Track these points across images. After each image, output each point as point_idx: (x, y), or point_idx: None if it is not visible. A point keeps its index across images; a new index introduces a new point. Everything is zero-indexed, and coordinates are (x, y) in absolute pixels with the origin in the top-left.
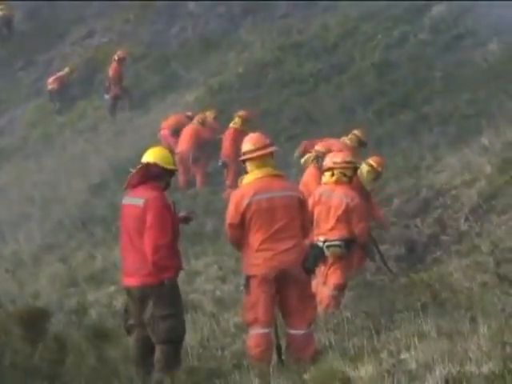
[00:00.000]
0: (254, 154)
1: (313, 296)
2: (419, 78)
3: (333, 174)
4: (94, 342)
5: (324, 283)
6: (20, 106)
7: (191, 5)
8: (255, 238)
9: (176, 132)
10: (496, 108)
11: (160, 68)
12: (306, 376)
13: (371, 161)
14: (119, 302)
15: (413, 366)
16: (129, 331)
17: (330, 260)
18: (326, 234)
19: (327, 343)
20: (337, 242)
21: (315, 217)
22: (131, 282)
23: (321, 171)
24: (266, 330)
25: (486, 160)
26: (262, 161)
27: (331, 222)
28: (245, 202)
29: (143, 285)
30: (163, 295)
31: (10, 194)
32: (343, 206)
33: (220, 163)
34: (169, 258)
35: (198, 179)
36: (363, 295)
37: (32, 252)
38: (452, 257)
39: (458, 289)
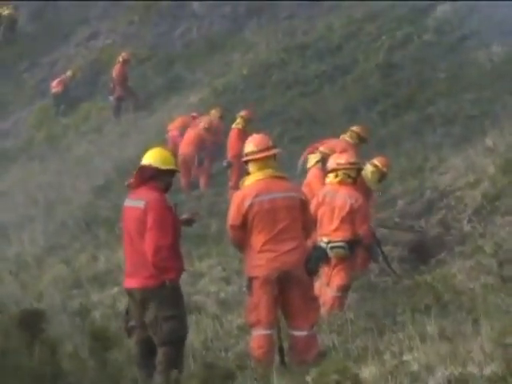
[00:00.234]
0: (257, 156)
1: (315, 297)
2: (423, 78)
3: (337, 175)
4: (97, 344)
5: (328, 284)
6: (24, 107)
7: (195, 6)
8: (257, 240)
9: (183, 133)
10: (500, 109)
11: (164, 69)
12: (308, 378)
13: (376, 161)
14: (123, 303)
15: (415, 367)
16: (130, 333)
17: (334, 261)
18: (329, 234)
19: (331, 344)
20: (340, 243)
21: (319, 218)
22: (132, 283)
23: (324, 172)
24: (269, 332)
25: (490, 161)
26: (264, 162)
27: (335, 223)
28: (247, 204)
29: (144, 287)
30: (165, 297)
31: (14, 195)
32: (347, 207)
33: (225, 163)
34: (170, 260)
35: (202, 181)
36: (367, 297)
37: (35, 254)
38: (455, 258)
39: (462, 290)
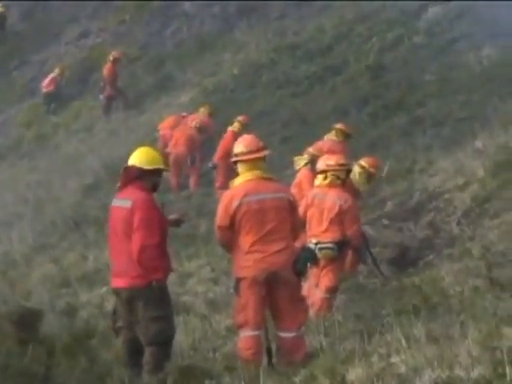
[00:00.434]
0: (246, 157)
1: (303, 298)
2: (413, 80)
3: (326, 177)
4: (85, 343)
5: (316, 285)
6: (14, 106)
7: (186, 5)
8: (245, 240)
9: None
10: (490, 111)
11: (155, 69)
12: (296, 379)
13: (363, 162)
14: (111, 303)
15: (402, 369)
16: (117, 333)
17: (323, 262)
18: (318, 236)
19: (318, 346)
20: (329, 245)
21: (308, 219)
22: (119, 283)
23: (314, 173)
24: (257, 333)
25: (479, 163)
26: (253, 164)
27: (324, 225)
28: (235, 204)
29: (131, 286)
30: (152, 297)
31: (3, 194)
32: (336, 209)
33: (210, 165)
34: (157, 259)
35: (192, 181)
36: (355, 298)
37: (24, 252)
38: (444, 261)
39: (450, 293)
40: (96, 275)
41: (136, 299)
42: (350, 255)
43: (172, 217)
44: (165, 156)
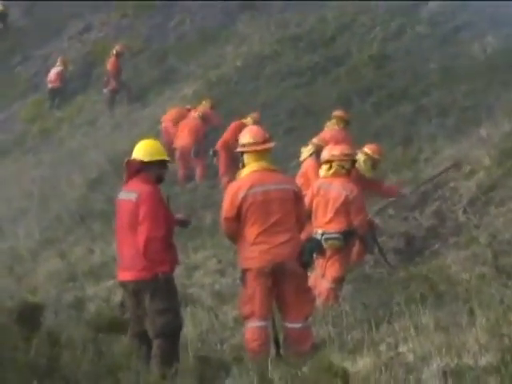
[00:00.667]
0: (252, 148)
1: (310, 289)
2: (417, 70)
3: (330, 167)
4: (93, 336)
5: (323, 276)
6: (18, 101)
7: None
8: (251, 232)
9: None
10: (494, 100)
11: (158, 62)
12: (303, 369)
13: (366, 149)
14: (118, 296)
15: (410, 358)
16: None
17: (329, 253)
18: (324, 226)
19: (326, 336)
20: (335, 235)
21: (313, 210)
22: (126, 276)
23: (319, 163)
24: (263, 323)
25: (484, 152)
26: (259, 155)
27: (329, 215)
28: (241, 195)
29: (138, 279)
30: (158, 290)
31: (9, 189)
32: (342, 199)
33: (211, 152)
34: (162, 252)
35: (198, 172)
36: (362, 288)
37: (30, 247)
38: (450, 249)
39: (457, 281)
40: (103, 269)
41: (142, 292)
42: (356, 245)
43: (179, 216)
44: (170, 151)
